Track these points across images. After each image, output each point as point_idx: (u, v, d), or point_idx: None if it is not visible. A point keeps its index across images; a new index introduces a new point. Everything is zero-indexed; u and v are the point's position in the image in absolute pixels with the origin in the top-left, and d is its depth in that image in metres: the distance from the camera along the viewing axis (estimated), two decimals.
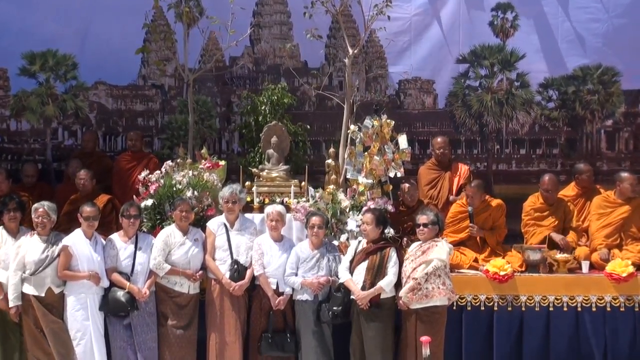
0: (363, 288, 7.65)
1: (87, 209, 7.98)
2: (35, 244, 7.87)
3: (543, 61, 11.41)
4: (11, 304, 7.79)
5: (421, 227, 7.79)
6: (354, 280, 7.73)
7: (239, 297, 8.06)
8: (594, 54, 11.33)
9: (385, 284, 7.63)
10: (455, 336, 8.31)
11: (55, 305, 7.83)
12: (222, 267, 8.08)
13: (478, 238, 9.04)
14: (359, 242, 7.95)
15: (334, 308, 7.73)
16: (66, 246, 7.78)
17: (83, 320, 7.76)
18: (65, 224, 8.78)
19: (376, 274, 7.68)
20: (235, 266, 8.02)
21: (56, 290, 7.82)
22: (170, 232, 8.15)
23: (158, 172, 9.10)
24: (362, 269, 7.72)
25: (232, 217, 8.26)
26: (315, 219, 8.03)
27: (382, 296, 7.66)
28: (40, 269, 7.75)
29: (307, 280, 7.87)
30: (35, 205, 8.00)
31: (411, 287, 7.51)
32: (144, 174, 9.15)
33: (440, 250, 7.62)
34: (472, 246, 9.05)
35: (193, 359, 8.14)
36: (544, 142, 11.57)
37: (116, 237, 8.13)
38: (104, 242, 8.08)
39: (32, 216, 7.95)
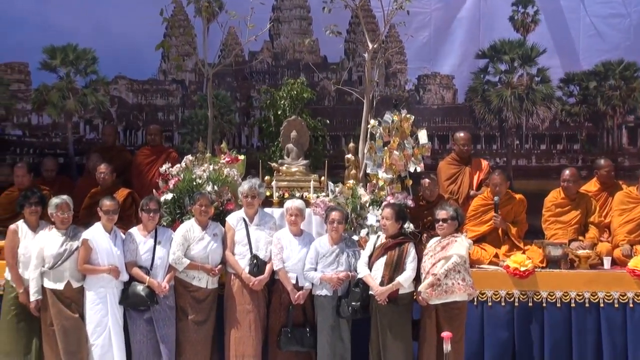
0: (381, 283, 7.63)
1: (106, 203, 7.99)
2: (53, 238, 7.89)
3: (564, 56, 11.35)
4: (32, 298, 7.82)
5: (440, 223, 7.77)
6: (373, 275, 7.71)
7: (259, 291, 8.05)
8: (615, 49, 11.25)
9: (404, 280, 7.61)
10: (476, 332, 8.28)
11: (74, 299, 7.84)
12: (242, 261, 8.07)
13: (500, 231, 9.00)
14: (378, 237, 7.93)
15: (353, 303, 7.72)
16: (86, 240, 7.79)
17: (102, 314, 7.77)
18: (85, 218, 8.83)
19: (394, 269, 7.65)
20: (255, 261, 8.01)
21: (75, 285, 7.84)
22: (189, 227, 8.15)
23: (178, 166, 9.13)
24: (380, 264, 7.71)
25: (252, 212, 8.26)
26: (334, 214, 8.02)
27: (400, 292, 7.64)
28: (59, 262, 7.76)
29: (326, 275, 7.86)
30: (56, 200, 7.97)
31: (430, 283, 7.49)
32: (164, 167, 9.17)
33: (460, 246, 7.60)
34: (493, 241, 9.02)
35: (211, 354, 8.13)
36: (565, 138, 11.51)
37: (135, 231, 8.14)
38: (123, 236, 8.10)
39: (52, 211, 7.93)
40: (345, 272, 7.89)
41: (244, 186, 8.29)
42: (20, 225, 8.15)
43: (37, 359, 8.03)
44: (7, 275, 8.12)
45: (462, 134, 10.19)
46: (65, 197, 8.03)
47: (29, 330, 8.04)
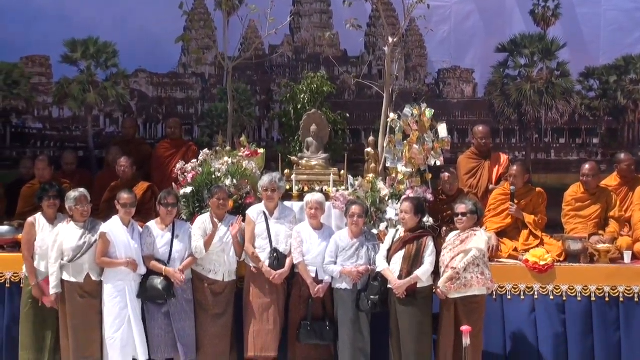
0: (400, 277, 7.62)
1: (124, 196, 8.01)
2: (72, 231, 7.91)
3: (584, 50, 11.33)
4: (52, 292, 7.84)
5: (460, 216, 7.76)
6: (391, 269, 7.71)
7: (279, 285, 8.07)
8: (637, 42, 11.21)
9: (422, 273, 7.61)
10: (495, 326, 8.27)
11: (93, 293, 7.86)
12: (262, 255, 8.08)
13: (519, 223, 8.99)
14: (397, 231, 7.93)
15: (372, 297, 7.72)
16: (104, 233, 7.80)
17: (121, 307, 7.77)
18: (105, 211, 8.86)
19: (413, 263, 7.65)
20: (275, 254, 8.02)
21: (94, 277, 7.86)
22: (206, 219, 8.16)
23: (195, 160, 9.15)
24: (398, 257, 7.71)
25: (272, 205, 8.26)
26: (355, 208, 8.02)
27: (418, 285, 7.63)
28: (78, 255, 7.79)
29: (346, 269, 7.86)
30: (75, 194, 7.98)
31: (450, 277, 7.48)
32: (180, 164, 9.19)
33: (479, 240, 7.59)
34: (511, 232, 9.00)
35: (229, 347, 8.13)
36: (584, 132, 11.50)
37: (153, 224, 8.14)
38: (140, 229, 8.11)
39: (71, 204, 7.94)
40: (365, 265, 7.89)
41: (264, 180, 8.30)
42: (38, 218, 8.17)
43: (51, 353, 8.07)
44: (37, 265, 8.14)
45: (480, 128, 10.17)
46: (82, 190, 8.05)
47: (44, 324, 8.08)
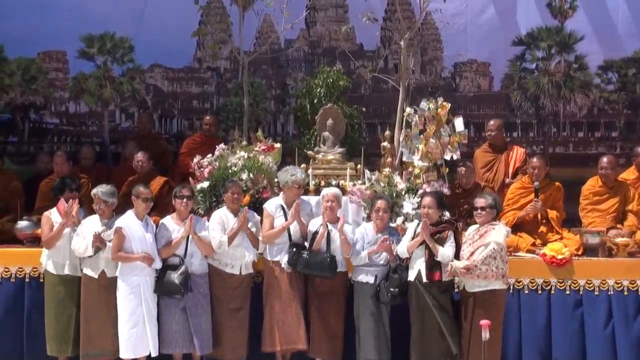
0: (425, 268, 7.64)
1: (144, 190, 8.02)
2: (95, 225, 7.92)
3: (602, 43, 11.28)
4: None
5: (479, 211, 7.71)
6: (413, 261, 7.73)
7: (297, 280, 8.07)
8: None
9: (441, 253, 7.55)
10: (513, 320, 8.25)
11: (108, 288, 7.87)
12: (280, 248, 8.08)
13: (539, 217, 8.95)
14: (417, 224, 7.90)
15: (391, 289, 7.72)
16: (120, 228, 7.77)
17: (136, 303, 7.75)
18: (122, 206, 8.86)
19: (434, 255, 7.65)
20: (294, 249, 8.01)
21: (109, 274, 7.88)
22: (223, 214, 8.15)
23: (210, 155, 9.14)
24: (421, 250, 7.69)
25: (293, 200, 8.23)
26: (380, 203, 8.02)
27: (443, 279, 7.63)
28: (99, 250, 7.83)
29: (372, 248, 7.87)
30: (93, 190, 8.06)
31: (467, 267, 7.44)
32: (196, 159, 9.18)
33: (498, 234, 7.55)
34: (529, 226, 8.96)
35: (246, 341, 8.12)
36: (603, 125, 11.44)
37: (169, 219, 8.13)
38: (153, 223, 8.08)
39: (107, 199, 7.97)
40: (386, 237, 7.86)
41: (298, 175, 8.22)
42: (54, 212, 8.19)
43: (75, 344, 8.06)
44: (44, 261, 8.17)
45: (491, 121, 10.19)
46: (100, 188, 8.03)
47: (68, 317, 8.08)
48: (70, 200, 8.07)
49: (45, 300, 8.18)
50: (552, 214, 8.92)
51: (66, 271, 8.04)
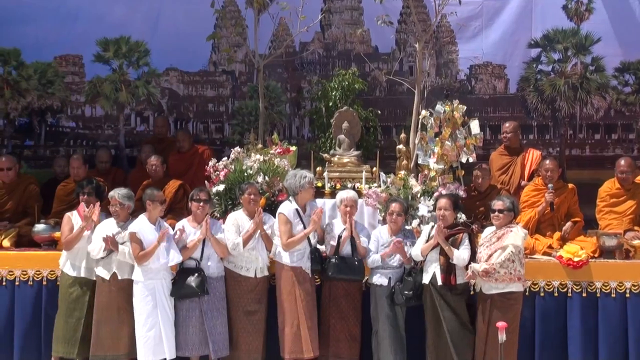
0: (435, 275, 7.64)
1: (158, 194, 8.07)
2: (110, 228, 7.96)
3: (619, 45, 11.20)
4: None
5: (496, 213, 7.70)
6: (427, 264, 7.75)
7: (313, 285, 8.05)
8: None
9: (456, 255, 7.56)
10: (528, 322, 8.21)
11: (120, 290, 7.90)
12: (302, 254, 8.02)
13: (555, 220, 8.90)
14: (432, 227, 7.89)
15: (406, 292, 7.73)
16: (134, 233, 7.77)
17: (152, 306, 7.76)
18: (139, 210, 8.88)
19: (449, 258, 7.64)
20: (316, 254, 8.03)
21: (120, 275, 7.91)
22: (238, 216, 8.14)
23: (225, 158, 9.16)
24: (436, 252, 7.70)
25: (307, 200, 8.21)
26: (394, 206, 8.02)
27: (458, 282, 7.62)
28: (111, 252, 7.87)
29: (386, 251, 7.88)
30: (110, 193, 8.10)
31: (486, 270, 7.42)
32: (212, 162, 9.19)
33: (516, 237, 7.54)
34: (546, 229, 8.93)
35: (261, 345, 8.10)
36: (620, 127, 11.38)
37: (185, 222, 8.14)
38: (166, 225, 8.05)
39: (128, 202, 8.06)
40: (399, 239, 7.87)
41: (308, 175, 8.16)
42: (75, 214, 8.27)
43: (80, 349, 8.08)
44: (62, 264, 8.21)
45: (507, 124, 10.16)
46: (118, 191, 8.08)
47: (77, 319, 8.11)
48: (91, 205, 8.12)
49: (59, 300, 8.23)
50: (565, 207, 8.95)
51: (82, 273, 8.10)
